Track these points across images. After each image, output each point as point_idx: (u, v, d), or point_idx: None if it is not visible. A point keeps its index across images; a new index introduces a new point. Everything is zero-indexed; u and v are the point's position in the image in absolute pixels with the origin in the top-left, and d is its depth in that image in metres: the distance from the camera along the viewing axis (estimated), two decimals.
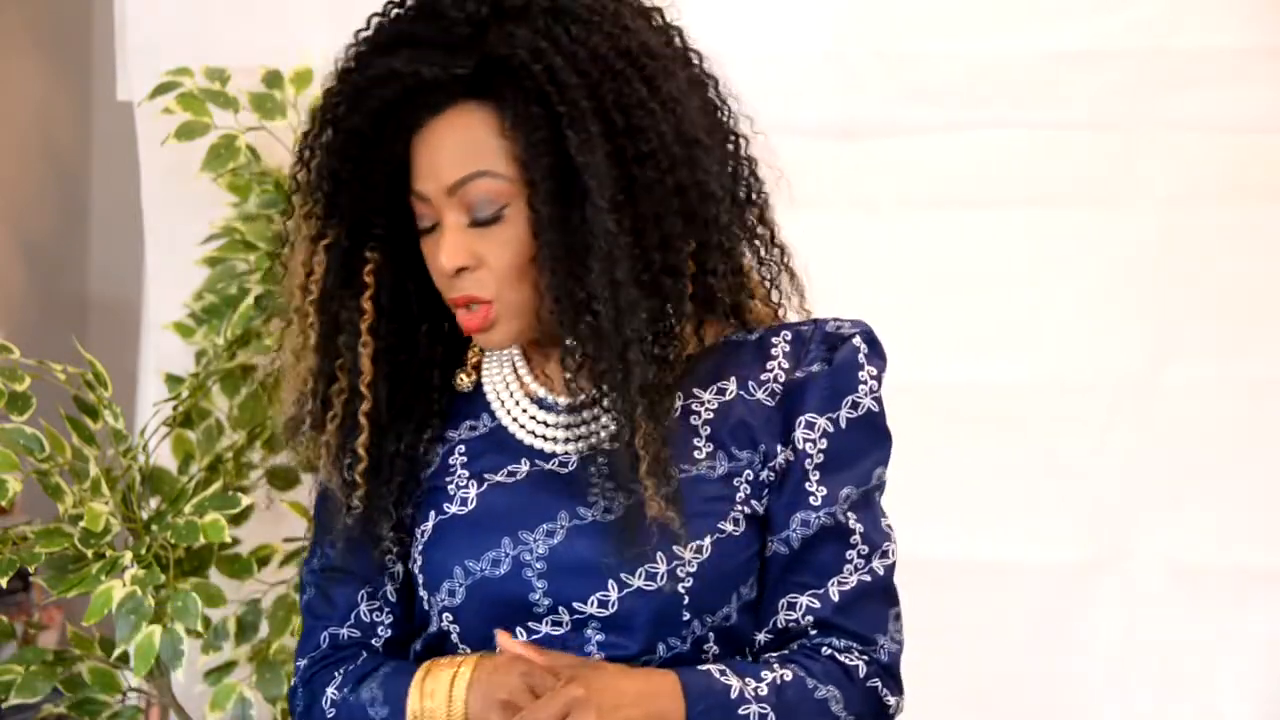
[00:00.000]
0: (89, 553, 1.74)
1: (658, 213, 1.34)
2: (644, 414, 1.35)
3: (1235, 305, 2.36)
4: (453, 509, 1.44)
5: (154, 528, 1.83)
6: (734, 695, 1.32)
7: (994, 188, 2.36)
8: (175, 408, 1.98)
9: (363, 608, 1.50)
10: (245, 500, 1.84)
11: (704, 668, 1.34)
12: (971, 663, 2.40)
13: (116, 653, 1.73)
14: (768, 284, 1.51)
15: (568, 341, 1.35)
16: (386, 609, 1.50)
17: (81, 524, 1.74)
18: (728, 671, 1.34)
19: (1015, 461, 2.37)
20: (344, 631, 1.50)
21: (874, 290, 2.35)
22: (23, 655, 1.83)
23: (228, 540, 1.84)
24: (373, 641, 1.50)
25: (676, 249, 1.36)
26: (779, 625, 1.40)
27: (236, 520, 1.92)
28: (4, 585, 1.72)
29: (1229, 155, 2.33)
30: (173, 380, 2.06)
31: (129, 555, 1.76)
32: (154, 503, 1.95)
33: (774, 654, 1.39)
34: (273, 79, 2.10)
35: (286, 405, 1.49)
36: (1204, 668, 2.39)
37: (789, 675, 1.35)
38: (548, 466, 1.43)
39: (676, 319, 1.38)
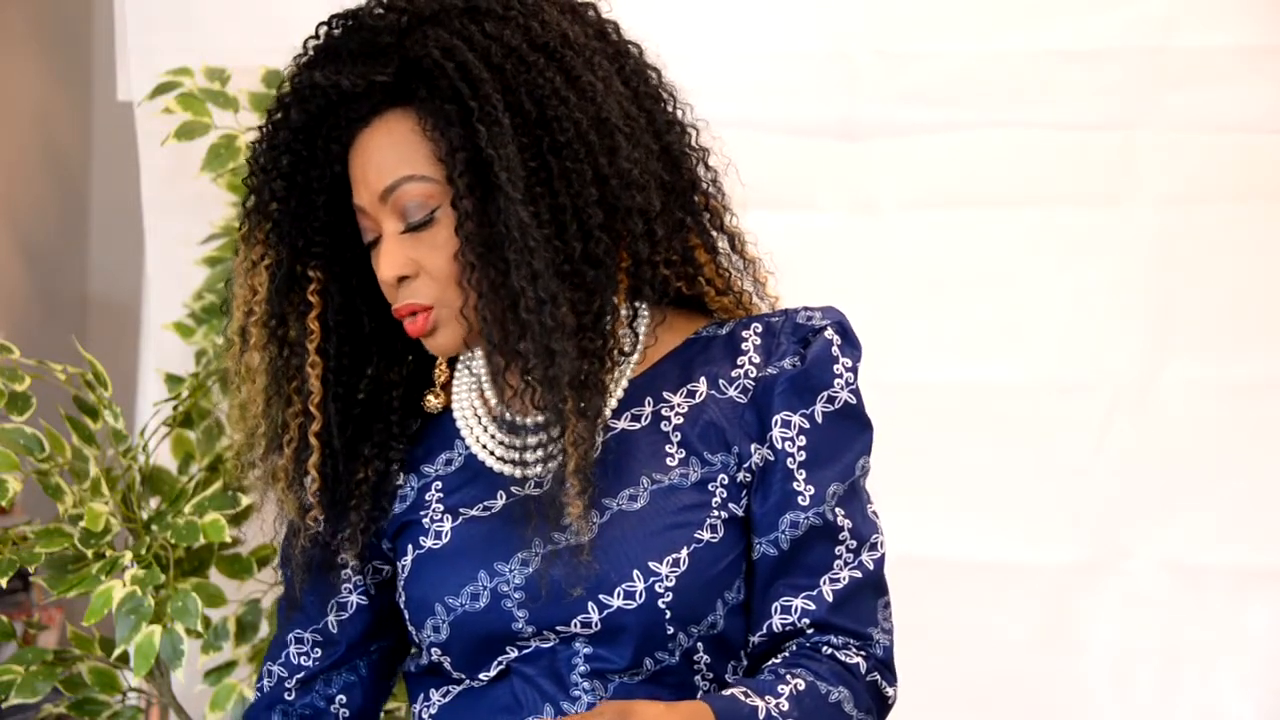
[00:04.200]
0: (89, 553, 1.74)
1: (576, 203, 1.34)
2: (573, 410, 1.34)
3: (1235, 305, 2.36)
4: (428, 543, 1.44)
5: (154, 528, 1.83)
6: (761, 716, 1.31)
7: (994, 188, 2.36)
8: (175, 408, 1.98)
9: (292, 649, 1.53)
10: (245, 500, 1.84)
11: (728, 693, 1.32)
12: (971, 663, 2.40)
13: (116, 653, 1.73)
14: (726, 274, 1.50)
15: (494, 337, 1.35)
16: (319, 647, 1.52)
17: (81, 524, 1.74)
18: (750, 693, 1.32)
19: (1015, 461, 2.37)
20: (276, 669, 1.53)
21: (874, 290, 2.35)
22: (23, 655, 1.82)
23: (228, 540, 1.84)
24: (286, 684, 1.53)
25: (598, 239, 1.34)
26: (773, 629, 1.39)
27: (236, 520, 1.92)
28: (4, 585, 1.72)
29: (1229, 155, 2.33)
30: (173, 380, 2.06)
31: (129, 555, 1.76)
32: (154, 503, 1.95)
33: (778, 660, 1.38)
34: (273, 79, 2.10)
35: (239, 431, 1.49)
36: (1204, 668, 2.39)
37: (802, 684, 1.34)
38: (523, 493, 1.41)
39: (605, 312, 1.36)
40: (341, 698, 1.53)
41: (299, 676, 1.53)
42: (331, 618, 1.52)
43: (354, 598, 1.52)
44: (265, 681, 1.54)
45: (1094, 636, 2.40)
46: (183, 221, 2.23)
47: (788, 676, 1.34)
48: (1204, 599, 2.38)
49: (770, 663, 1.38)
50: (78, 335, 2.22)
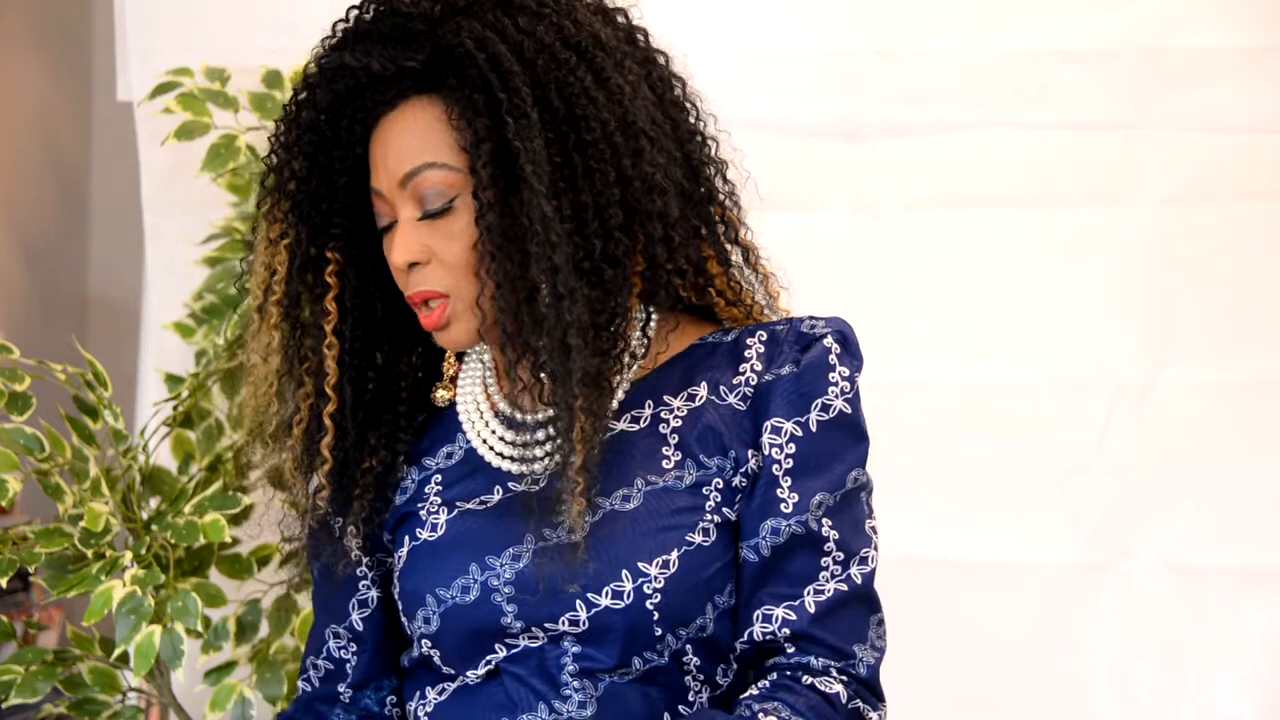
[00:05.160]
0: (89, 553, 1.74)
1: (598, 202, 1.34)
2: (583, 407, 1.34)
3: (1235, 305, 2.36)
4: (423, 535, 1.44)
5: (154, 528, 1.83)
6: None
7: (994, 188, 2.36)
8: (175, 408, 1.98)
9: (331, 644, 1.54)
10: (245, 500, 1.84)
11: None
12: (971, 663, 2.39)
13: (116, 653, 1.73)
14: (738, 285, 1.50)
15: (508, 329, 1.35)
16: (353, 643, 1.52)
17: (81, 524, 1.74)
18: None
19: (1015, 461, 2.37)
20: (321, 663, 1.54)
21: (874, 290, 2.35)
22: (23, 655, 1.82)
23: (228, 540, 1.84)
24: (339, 688, 1.53)
25: (617, 240, 1.35)
26: (755, 637, 1.38)
27: (236, 520, 1.92)
28: (4, 585, 1.72)
29: (1229, 155, 2.33)
30: (173, 380, 2.06)
31: (129, 555, 1.76)
32: (154, 503, 1.95)
33: (755, 691, 1.36)
34: (273, 79, 2.10)
35: (252, 409, 1.50)
36: (1204, 668, 2.39)
37: None
38: (520, 488, 1.42)
39: (619, 312, 1.37)
40: (392, 698, 1.54)
41: (348, 680, 1.53)
42: (355, 615, 1.52)
43: (373, 593, 1.52)
44: (312, 673, 1.55)
45: (1094, 636, 2.39)
46: (183, 221, 2.23)
47: (760, 716, 1.32)
48: (1204, 599, 2.38)
49: (747, 695, 1.36)
50: (78, 335, 2.22)
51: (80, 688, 1.88)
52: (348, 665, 1.53)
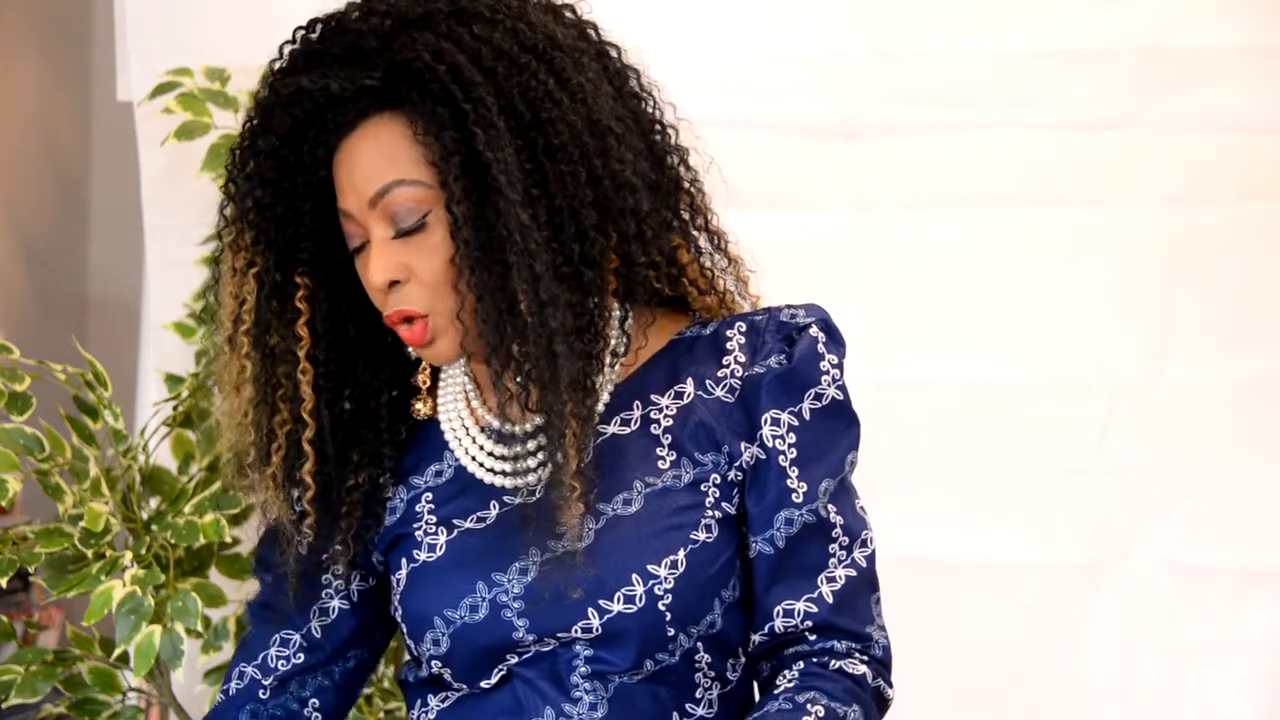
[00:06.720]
0: (89, 553, 1.74)
1: (572, 205, 1.33)
2: (573, 412, 1.33)
3: (1235, 305, 2.36)
4: (422, 556, 1.43)
5: (154, 528, 1.83)
6: None
7: (994, 188, 2.36)
8: (175, 408, 1.98)
9: (272, 651, 1.52)
10: (245, 500, 1.84)
11: None
12: (971, 663, 2.40)
13: (116, 653, 1.73)
14: (710, 273, 1.50)
15: (492, 340, 1.34)
16: (302, 653, 1.51)
17: (81, 524, 1.74)
18: None
19: (1015, 461, 2.37)
20: (250, 670, 1.53)
21: (873, 290, 2.35)
22: (23, 655, 1.82)
23: (228, 540, 1.84)
24: (259, 692, 1.52)
25: (593, 240, 1.34)
26: (775, 630, 1.40)
27: (236, 520, 1.92)
28: (4, 585, 1.72)
29: (1229, 155, 2.33)
30: (173, 380, 2.06)
31: (129, 555, 1.76)
32: (154, 503, 1.95)
33: (789, 683, 1.37)
34: None
35: (228, 441, 1.48)
36: (1204, 668, 2.39)
37: (821, 710, 1.33)
38: (516, 501, 1.41)
39: (600, 313, 1.36)
40: (315, 701, 1.53)
41: (276, 675, 1.52)
42: (315, 623, 1.51)
43: (335, 603, 1.51)
44: (235, 683, 1.53)
45: (1094, 636, 2.39)
46: (183, 221, 2.23)
47: (807, 705, 1.33)
48: (1204, 599, 2.38)
49: (783, 687, 1.37)
50: (78, 335, 2.22)
51: (80, 688, 1.88)
52: (280, 672, 1.52)
